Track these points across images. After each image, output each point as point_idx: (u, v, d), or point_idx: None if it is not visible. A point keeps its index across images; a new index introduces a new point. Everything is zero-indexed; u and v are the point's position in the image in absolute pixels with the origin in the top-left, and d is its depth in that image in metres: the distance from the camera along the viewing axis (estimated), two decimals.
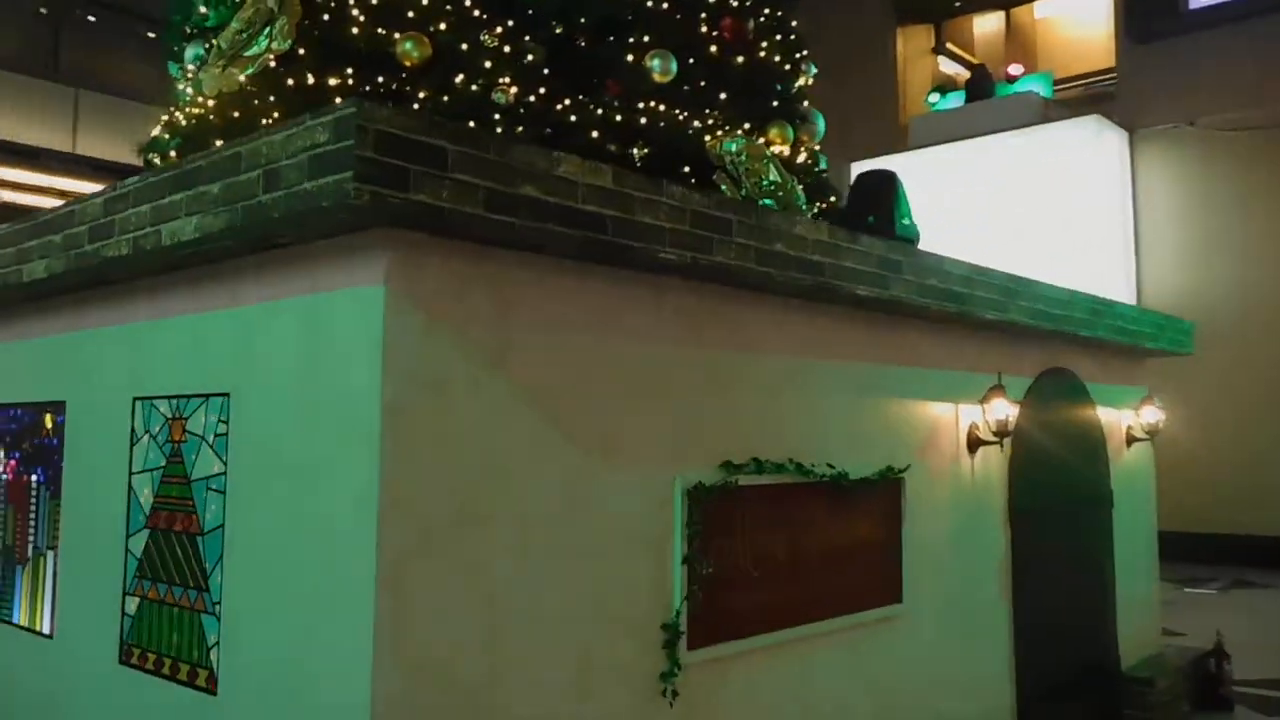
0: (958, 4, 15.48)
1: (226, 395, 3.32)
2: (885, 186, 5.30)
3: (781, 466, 4.01)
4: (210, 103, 5.36)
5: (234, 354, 3.34)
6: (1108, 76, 14.64)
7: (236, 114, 5.20)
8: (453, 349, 2.96)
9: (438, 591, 2.85)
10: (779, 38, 6.17)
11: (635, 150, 5.31)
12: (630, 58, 5.43)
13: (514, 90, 5.17)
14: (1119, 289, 13.02)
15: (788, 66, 6.21)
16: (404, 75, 5.16)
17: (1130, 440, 6.72)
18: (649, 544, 3.52)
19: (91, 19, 17.75)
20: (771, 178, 5.61)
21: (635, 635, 3.42)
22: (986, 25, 16.20)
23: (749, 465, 3.89)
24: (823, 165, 6.53)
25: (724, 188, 5.29)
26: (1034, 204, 13.08)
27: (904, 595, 4.68)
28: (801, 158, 6.14)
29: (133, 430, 3.76)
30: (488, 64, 5.20)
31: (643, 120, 5.33)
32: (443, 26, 5.23)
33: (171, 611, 3.45)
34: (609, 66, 5.41)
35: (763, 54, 6.02)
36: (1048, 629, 5.67)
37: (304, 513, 2.98)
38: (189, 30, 5.88)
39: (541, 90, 5.23)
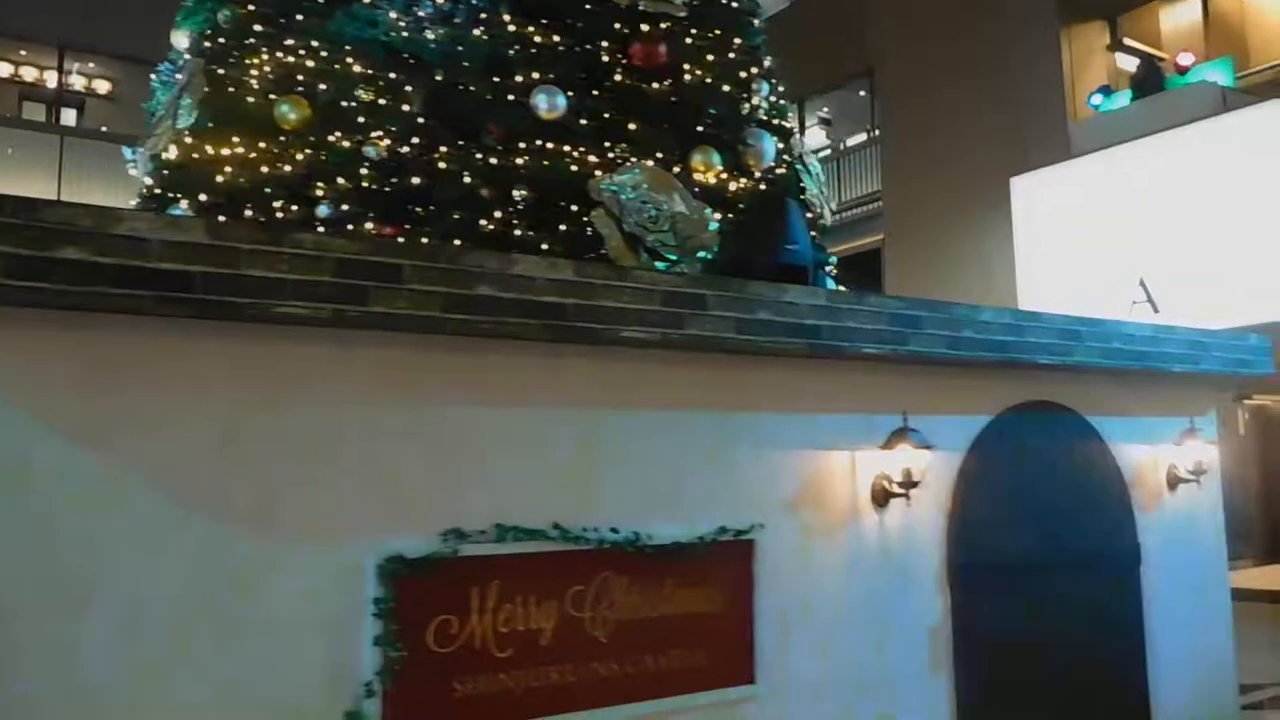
0: None
1: None
2: (773, 211, 4.73)
3: (539, 533, 3.61)
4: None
5: None
6: None
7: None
8: (34, 423, 2.87)
9: (23, 678, 2.76)
10: (712, 58, 5.72)
11: (516, 193, 5.08)
12: (512, 96, 5.21)
13: (385, 143, 5.09)
14: None
15: (725, 88, 5.73)
16: (283, 138, 5.22)
17: (1175, 482, 5.58)
18: (325, 624, 3.25)
19: None
20: (677, 208, 5.18)
21: None
22: (1179, 15, 14.40)
23: (489, 532, 3.52)
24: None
25: (600, 226, 4.92)
26: (1213, 202, 11.38)
27: (758, 676, 4.07)
28: (741, 182, 5.63)
29: None
30: (361, 119, 5.17)
31: (521, 162, 5.08)
32: (322, 87, 5.25)
33: None
34: (492, 108, 5.22)
35: (689, 77, 5.60)
36: (1022, 705, 4.77)
37: None
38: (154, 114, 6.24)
39: (415, 140, 5.12)
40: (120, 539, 2.95)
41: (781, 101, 6.54)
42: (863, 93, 20.57)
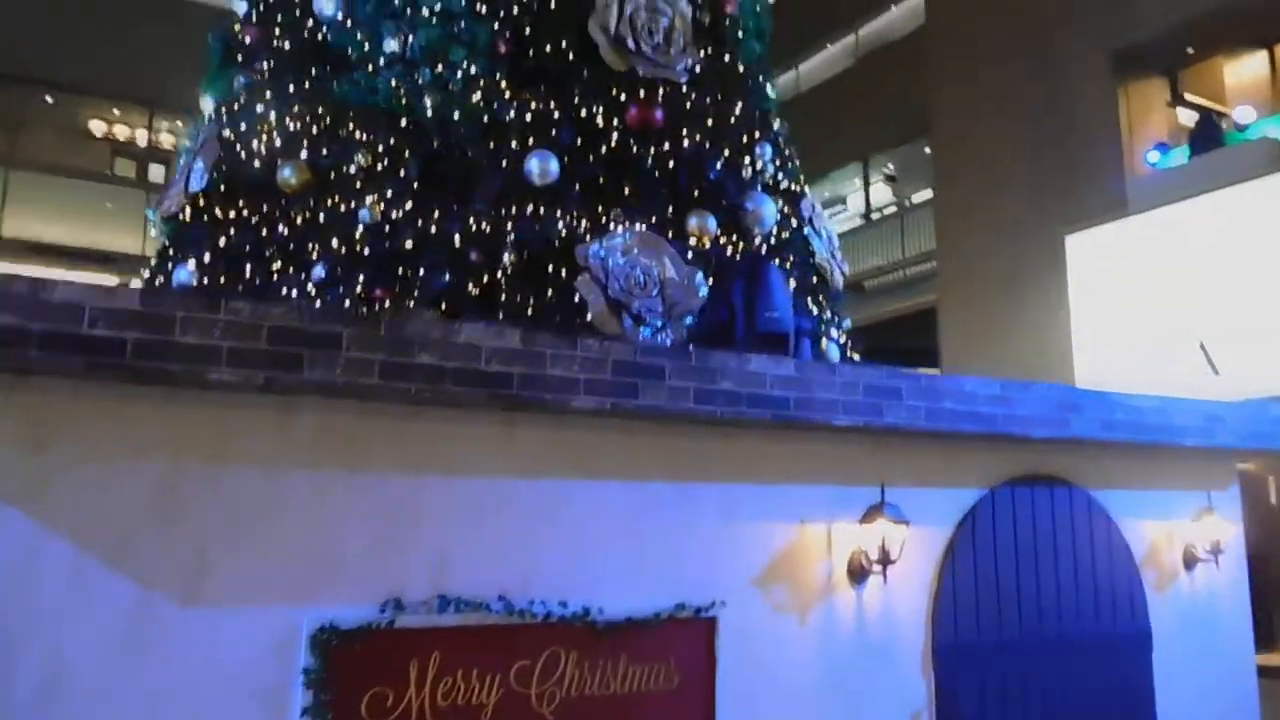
0: (1190, 51, 13.54)
1: None
2: (752, 274, 4.67)
3: (483, 605, 3.57)
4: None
5: None
6: None
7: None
8: None
9: None
10: (712, 122, 5.70)
11: (506, 257, 5.09)
12: (505, 161, 5.24)
13: (380, 208, 5.17)
14: None
15: (725, 151, 5.71)
16: (283, 201, 5.34)
17: (1193, 561, 5.30)
18: (255, 694, 3.24)
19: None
20: (667, 273, 5.15)
21: None
22: (1244, 68, 14.00)
23: (430, 603, 3.49)
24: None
25: (585, 291, 4.91)
26: (1274, 261, 10.96)
27: None
28: (739, 246, 5.57)
29: None
30: (358, 184, 5.25)
31: (510, 226, 5.10)
32: (324, 152, 5.36)
33: None
34: (485, 172, 5.26)
35: (686, 141, 5.59)
36: None
37: None
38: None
39: (409, 204, 5.17)
40: (48, 600, 2.99)
41: (792, 163, 6.50)
42: (927, 149, 20.42)
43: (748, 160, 5.86)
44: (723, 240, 5.57)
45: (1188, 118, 13.76)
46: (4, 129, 20.72)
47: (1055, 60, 14.55)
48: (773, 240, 5.84)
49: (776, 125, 6.39)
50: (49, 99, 20.99)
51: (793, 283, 5.80)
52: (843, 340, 6.28)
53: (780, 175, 6.21)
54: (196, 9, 18.36)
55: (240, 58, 6.06)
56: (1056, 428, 4.67)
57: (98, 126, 22.01)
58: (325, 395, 3.32)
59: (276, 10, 5.99)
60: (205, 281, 5.32)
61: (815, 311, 5.97)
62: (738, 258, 5.26)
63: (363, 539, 3.42)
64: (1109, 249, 12.80)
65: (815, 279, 6.22)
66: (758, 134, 5.99)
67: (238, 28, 6.24)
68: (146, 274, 5.91)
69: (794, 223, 6.17)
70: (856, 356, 6.47)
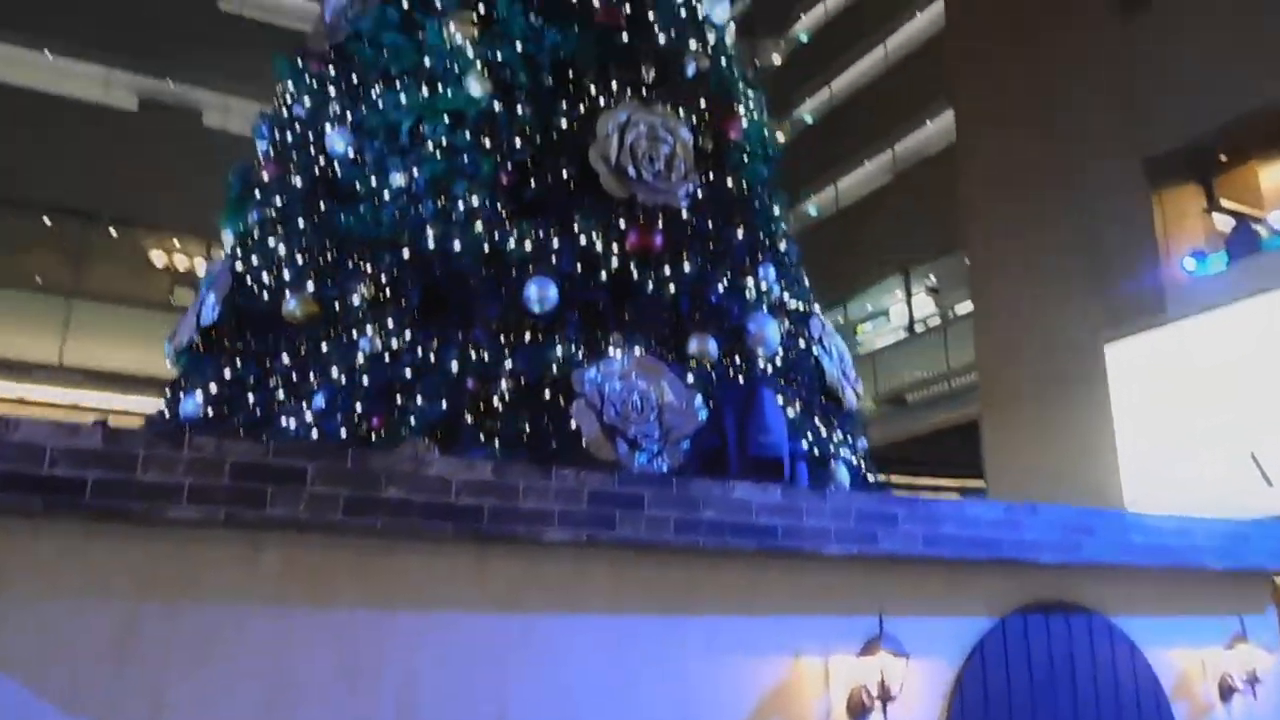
0: (1223, 159, 13.46)
1: None
2: (745, 398, 4.61)
3: None
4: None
5: None
6: None
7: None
8: None
9: None
10: (713, 245, 5.75)
11: (504, 383, 5.11)
12: (505, 289, 5.30)
13: (380, 338, 5.23)
14: None
15: (728, 274, 5.73)
16: (289, 332, 5.44)
17: (1229, 692, 4.99)
18: None
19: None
20: (666, 398, 5.11)
21: None
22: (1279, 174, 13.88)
23: None
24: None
25: (579, 418, 4.89)
26: None
27: None
28: (743, 367, 5.54)
29: None
30: (361, 314, 5.34)
31: (509, 354, 5.13)
32: (329, 284, 5.47)
33: None
34: (485, 300, 5.31)
35: (687, 265, 5.62)
36: None
37: None
38: None
39: (409, 334, 5.24)
40: None
41: (800, 283, 6.49)
42: (969, 260, 20.40)
43: (751, 282, 5.86)
44: (725, 362, 5.55)
45: (1224, 223, 13.59)
46: (69, 260, 21.61)
47: (1087, 169, 14.54)
48: (778, 361, 5.81)
49: (783, 245, 6.41)
50: (113, 231, 21.87)
51: (798, 405, 5.74)
52: (857, 462, 6.15)
53: (786, 295, 6.19)
54: (249, 145, 19.23)
55: (258, 193, 6.27)
56: (1068, 552, 4.48)
57: (158, 257, 22.84)
58: (290, 530, 3.29)
59: (293, 149, 6.21)
60: (210, 413, 5.40)
61: (825, 433, 5.88)
62: (741, 379, 5.22)
63: (328, 676, 3.34)
64: (1150, 357, 12.53)
65: (825, 399, 6.15)
66: (761, 255, 6.01)
67: (258, 164, 6.48)
68: (162, 407, 6.01)
69: (801, 343, 6.13)
70: (874, 478, 6.33)
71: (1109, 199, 14.11)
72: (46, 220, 21.46)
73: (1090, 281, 14.08)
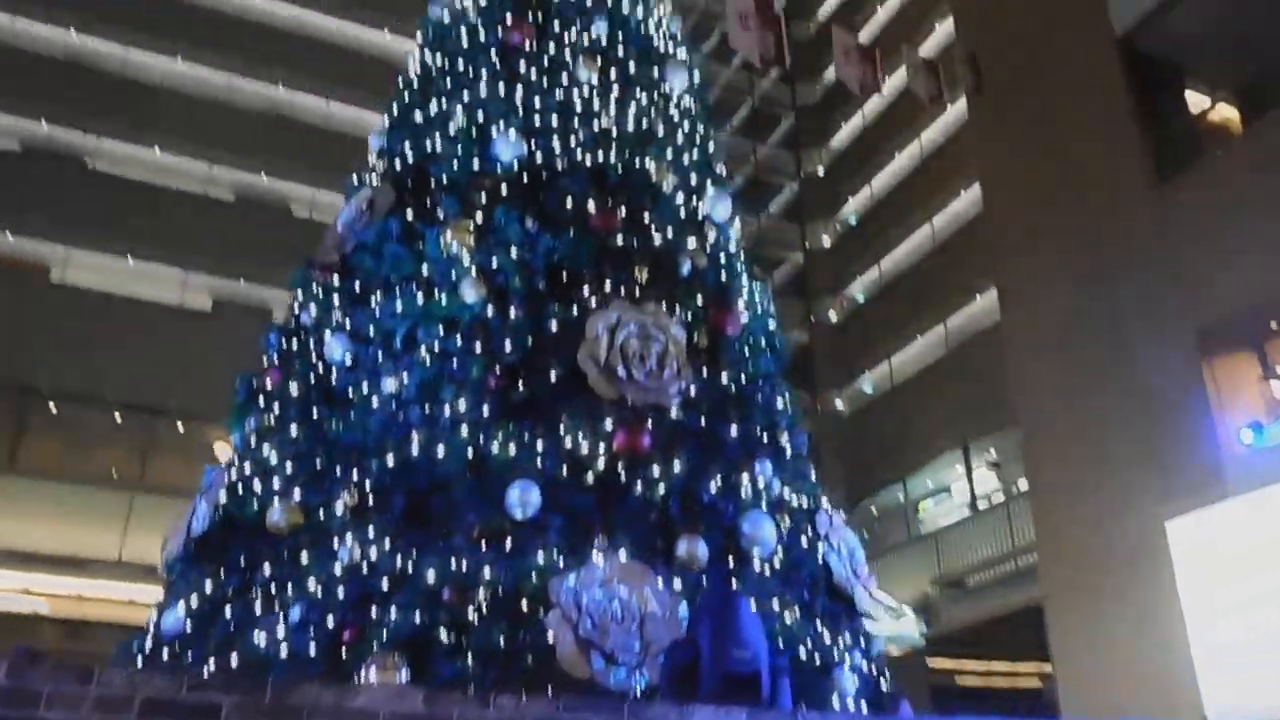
0: (1275, 327, 13.09)
1: None
2: (720, 609, 4.38)
3: None
4: None
5: None
6: None
7: None
8: None
9: None
10: (704, 445, 5.63)
11: (481, 594, 4.96)
12: (487, 494, 5.22)
13: (357, 550, 5.15)
14: None
15: (721, 473, 5.58)
16: (272, 542, 5.39)
17: None
18: None
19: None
20: (649, 608, 4.91)
21: None
22: None
23: None
24: None
25: (554, 631, 4.70)
26: None
27: None
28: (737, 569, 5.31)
29: None
30: (343, 523, 5.28)
31: (487, 561, 5.00)
32: (313, 493, 5.45)
33: None
34: (467, 507, 5.23)
35: (678, 465, 5.49)
36: None
37: None
38: None
39: (388, 544, 5.14)
40: None
41: (805, 477, 6.30)
42: (1023, 434, 19.92)
43: (746, 479, 5.69)
44: (720, 563, 5.34)
45: None
46: (135, 454, 22.20)
47: (1136, 340, 14.22)
48: (776, 562, 5.57)
49: (784, 439, 6.25)
50: (180, 426, 22.47)
51: (797, 609, 5.47)
52: (869, 667, 5.78)
53: (787, 490, 5.99)
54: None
55: (261, 401, 6.36)
56: None
57: (222, 450, 23.33)
58: None
59: (295, 357, 6.33)
60: (189, 628, 5.30)
61: (829, 639, 5.56)
62: (720, 584, 4.99)
63: None
64: (1213, 533, 11.88)
65: (831, 599, 5.85)
66: (760, 451, 5.86)
67: (263, 371, 6.59)
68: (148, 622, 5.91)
69: (804, 540, 5.88)
70: (888, 688, 5.92)
71: (1161, 369, 13.73)
72: (117, 416, 22.22)
73: (1145, 453, 13.55)
